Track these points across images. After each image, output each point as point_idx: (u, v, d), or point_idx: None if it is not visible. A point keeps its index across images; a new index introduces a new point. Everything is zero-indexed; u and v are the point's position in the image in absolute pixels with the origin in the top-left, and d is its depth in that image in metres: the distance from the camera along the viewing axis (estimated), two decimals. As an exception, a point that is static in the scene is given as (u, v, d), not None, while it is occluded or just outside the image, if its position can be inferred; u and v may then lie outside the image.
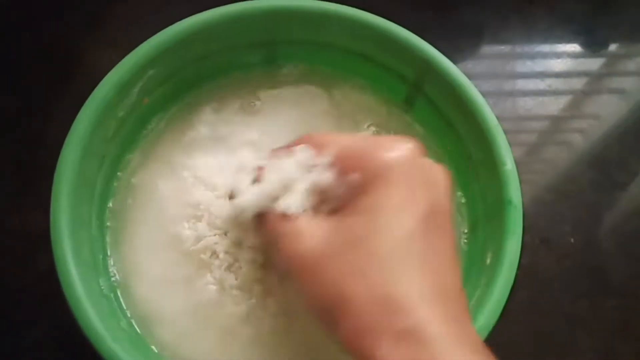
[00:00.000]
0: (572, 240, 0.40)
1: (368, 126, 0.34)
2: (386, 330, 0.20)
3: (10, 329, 0.35)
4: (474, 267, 0.30)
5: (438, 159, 0.33)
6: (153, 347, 0.28)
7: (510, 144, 0.30)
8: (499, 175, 0.29)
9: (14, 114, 0.40)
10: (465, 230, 0.31)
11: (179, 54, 0.31)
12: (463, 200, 0.32)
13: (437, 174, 0.23)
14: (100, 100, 0.28)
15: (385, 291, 0.21)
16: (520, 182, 0.33)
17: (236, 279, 0.29)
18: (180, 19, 0.30)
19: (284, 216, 0.24)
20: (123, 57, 0.29)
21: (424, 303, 0.20)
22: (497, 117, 0.30)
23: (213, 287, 0.29)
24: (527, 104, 0.45)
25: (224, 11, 0.30)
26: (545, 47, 0.48)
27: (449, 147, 0.33)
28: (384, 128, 0.34)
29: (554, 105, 0.46)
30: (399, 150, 0.23)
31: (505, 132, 0.30)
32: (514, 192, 0.28)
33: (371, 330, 0.20)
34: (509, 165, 0.29)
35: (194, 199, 0.30)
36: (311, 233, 0.23)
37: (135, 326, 0.28)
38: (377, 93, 0.35)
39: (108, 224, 0.30)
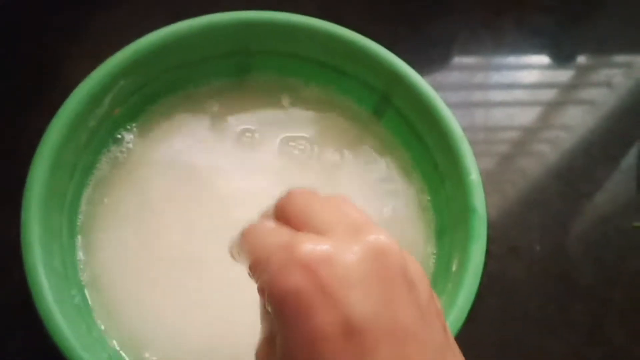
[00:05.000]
0: (538, 248, 0.41)
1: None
2: None
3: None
4: (441, 274, 0.30)
5: (407, 167, 0.34)
6: (126, 356, 0.28)
7: (479, 154, 0.30)
8: (464, 184, 0.30)
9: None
10: (434, 251, 0.32)
11: (150, 64, 0.31)
12: (431, 207, 0.33)
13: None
14: (71, 110, 0.28)
15: None
16: (490, 192, 0.34)
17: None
18: (146, 19, 0.30)
19: None
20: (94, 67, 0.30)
21: None
22: (467, 128, 0.31)
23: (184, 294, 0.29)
24: (496, 115, 0.46)
25: (195, 23, 0.31)
26: (514, 59, 0.49)
27: (417, 156, 0.34)
28: (353, 137, 0.35)
29: (524, 117, 0.47)
30: None
31: (475, 142, 0.31)
32: (479, 201, 0.29)
33: None
34: (473, 175, 0.30)
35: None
36: None
37: (108, 335, 0.28)
38: (347, 104, 0.35)
39: (79, 233, 0.30)
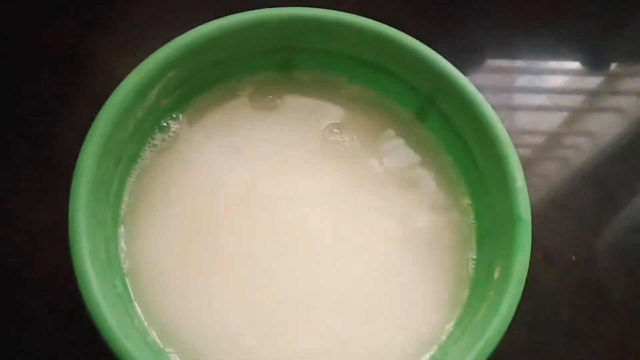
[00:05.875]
0: (573, 258, 0.41)
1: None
2: None
3: (18, 324, 0.35)
4: (481, 281, 0.30)
5: (449, 171, 0.34)
6: (164, 346, 0.28)
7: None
8: (510, 191, 0.29)
9: (28, 112, 0.41)
10: (474, 257, 0.32)
11: (199, 57, 0.31)
12: (472, 212, 0.33)
13: None
14: (120, 100, 0.28)
15: None
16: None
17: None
18: (193, 23, 0.31)
19: None
20: (136, 58, 0.30)
21: None
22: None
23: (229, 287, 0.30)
24: (526, 119, 0.46)
25: (245, 17, 0.31)
26: (546, 64, 0.49)
27: (460, 160, 0.34)
28: (394, 138, 0.35)
29: (552, 121, 0.46)
30: None
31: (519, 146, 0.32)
32: (524, 209, 0.29)
33: None
34: (519, 182, 0.29)
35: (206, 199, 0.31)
36: None
37: (148, 326, 0.28)
38: (390, 104, 0.35)
39: (121, 223, 0.31)
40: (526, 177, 0.34)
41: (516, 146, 0.31)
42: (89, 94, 0.38)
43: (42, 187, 0.38)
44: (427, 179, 0.34)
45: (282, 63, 0.34)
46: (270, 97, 0.35)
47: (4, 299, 0.36)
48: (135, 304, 0.29)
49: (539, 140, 0.46)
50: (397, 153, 0.34)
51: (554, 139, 0.47)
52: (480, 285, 0.30)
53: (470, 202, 0.33)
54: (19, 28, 0.43)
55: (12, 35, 0.43)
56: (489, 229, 0.31)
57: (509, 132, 0.30)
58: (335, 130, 0.34)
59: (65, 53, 0.43)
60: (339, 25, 0.32)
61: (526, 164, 0.44)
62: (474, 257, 0.32)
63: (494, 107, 0.36)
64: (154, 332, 0.28)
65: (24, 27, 0.43)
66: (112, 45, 0.43)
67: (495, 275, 0.29)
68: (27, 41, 0.43)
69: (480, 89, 0.47)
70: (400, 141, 0.34)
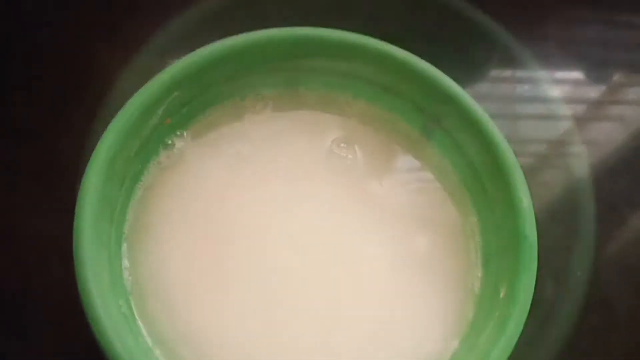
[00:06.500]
0: (578, 273, 0.41)
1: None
2: None
3: (20, 335, 0.35)
4: (487, 300, 0.30)
5: (454, 190, 0.34)
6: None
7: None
8: (515, 211, 0.29)
9: (30, 120, 0.40)
10: (479, 275, 0.32)
11: (205, 76, 0.31)
12: (478, 232, 0.33)
13: None
14: (125, 121, 0.28)
15: None
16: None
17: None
18: (197, 33, 0.31)
19: None
20: (139, 66, 0.30)
21: None
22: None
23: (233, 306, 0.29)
24: (528, 128, 0.46)
25: (252, 37, 0.31)
26: (549, 74, 0.49)
27: (465, 180, 0.33)
28: (399, 156, 0.35)
29: (554, 130, 0.46)
30: None
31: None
32: (530, 229, 0.29)
33: None
34: (525, 202, 0.29)
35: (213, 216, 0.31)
36: None
37: (153, 346, 0.28)
38: (395, 122, 0.35)
39: (125, 241, 0.31)
40: (529, 186, 0.35)
41: (518, 155, 0.31)
42: (89, 102, 0.38)
43: (46, 194, 0.38)
44: (432, 197, 0.34)
45: (287, 81, 0.34)
46: (276, 112, 0.35)
47: (6, 313, 0.36)
48: (139, 322, 0.29)
49: (541, 149, 0.46)
50: (402, 170, 0.34)
51: (556, 148, 0.46)
52: (486, 304, 0.30)
53: (476, 221, 0.33)
54: (18, 29, 0.43)
55: (13, 36, 0.43)
56: (495, 247, 0.31)
57: (511, 141, 0.30)
58: (342, 144, 0.34)
59: (65, 60, 0.42)
60: (343, 45, 0.32)
61: (528, 173, 0.44)
62: (480, 275, 0.32)
63: (496, 116, 0.37)
64: (158, 351, 0.28)
65: (23, 29, 0.43)
66: (114, 53, 0.43)
67: (501, 295, 0.29)
68: (26, 48, 0.43)
69: (482, 98, 0.47)
70: (405, 159, 0.34)
